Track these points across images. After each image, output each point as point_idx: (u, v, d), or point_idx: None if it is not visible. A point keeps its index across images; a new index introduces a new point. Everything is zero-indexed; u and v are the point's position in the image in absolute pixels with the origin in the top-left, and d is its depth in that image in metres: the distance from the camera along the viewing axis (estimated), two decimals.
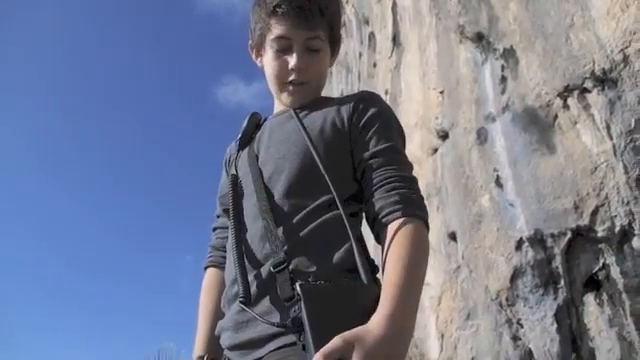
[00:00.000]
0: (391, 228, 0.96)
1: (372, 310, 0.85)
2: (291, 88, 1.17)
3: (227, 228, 1.22)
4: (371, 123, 1.09)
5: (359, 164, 1.07)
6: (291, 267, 0.93)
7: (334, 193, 1.01)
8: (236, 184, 1.13)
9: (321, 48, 1.17)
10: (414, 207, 0.98)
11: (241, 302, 0.93)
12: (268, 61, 1.18)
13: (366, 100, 1.14)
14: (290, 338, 0.87)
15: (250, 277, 0.98)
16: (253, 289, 0.97)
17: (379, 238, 1.00)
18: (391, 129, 1.11)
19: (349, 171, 1.08)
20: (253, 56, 1.26)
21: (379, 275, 0.98)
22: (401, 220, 0.95)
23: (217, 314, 1.16)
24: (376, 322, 0.82)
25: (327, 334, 0.79)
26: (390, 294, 0.86)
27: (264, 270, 0.98)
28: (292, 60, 1.13)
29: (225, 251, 1.24)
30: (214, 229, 1.32)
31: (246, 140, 1.22)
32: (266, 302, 0.95)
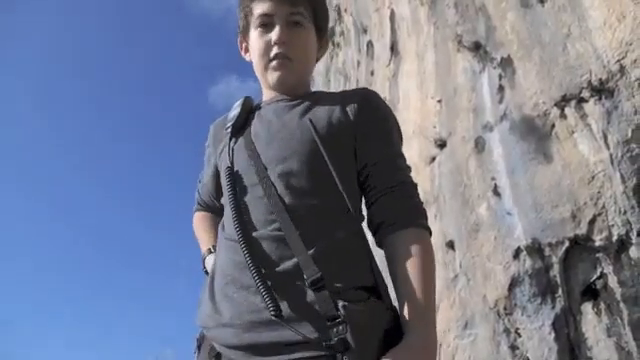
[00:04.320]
0: (400, 237, 0.99)
1: (391, 326, 0.92)
2: (275, 63, 1.13)
3: (212, 197, 1.29)
4: (376, 128, 1.09)
5: (363, 168, 1.07)
6: (326, 283, 0.91)
7: (348, 202, 1.02)
8: (233, 177, 1.07)
9: (305, 24, 1.15)
10: (420, 216, 1.03)
11: (273, 315, 0.89)
12: (253, 43, 1.16)
13: (371, 102, 1.13)
14: (315, 349, 0.88)
15: (269, 281, 0.94)
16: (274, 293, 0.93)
17: (382, 243, 1.03)
18: (394, 133, 1.12)
19: (354, 174, 1.07)
20: (242, 52, 1.25)
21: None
22: (410, 230, 1.00)
23: (215, 235, 1.22)
24: (419, 344, 0.90)
25: (371, 354, 0.86)
26: (423, 315, 0.93)
27: (283, 274, 0.95)
28: (274, 33, 1.12)
29: (212, 207, 1.30)
30: (199, 194, 1.35)
31: (239, 127, 1.15)
32: (288, 307, 0.92)
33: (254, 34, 1.16)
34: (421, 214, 1.03)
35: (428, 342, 0.90)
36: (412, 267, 0.95)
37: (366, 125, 1.08)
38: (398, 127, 1.15)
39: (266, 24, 1.13)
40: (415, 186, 1.07)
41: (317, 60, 1.26)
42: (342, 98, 1.14)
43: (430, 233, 1.03)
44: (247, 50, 1.23)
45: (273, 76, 1.15)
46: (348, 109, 1.09)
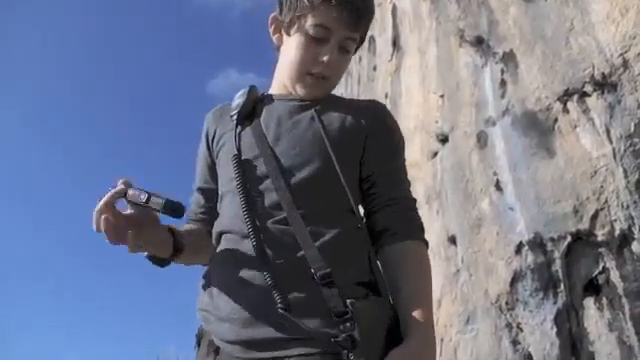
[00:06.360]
0: (402, 247, 1.03)
1: (392, 324, 0.94)
2: (311, 80, 1.11)
3: (209, 206, 1.16)
4: (385, 141, 1.13)
5: (369, 176, 1.09)
6: (334, 279, 0.92)
7: (352, 203, 1.04)
8: (241, 165, 1.05)
9: (351, 50, 1.15)
10: (420, 230, 1.08)
11: (282, 309, 0.89)
12: (296, 44, 1.11)
13: (385, 117, 1.17)
14: (315, 346, 0.88)
15: (276, 274, 0.93)
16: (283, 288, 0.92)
17: (382, 250, 1.05)
18: (400, 148, 1.16)
19: (357, 181, 1.09)
20: (271, 30, 1.19)
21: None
22: (413, 242, 1.04)
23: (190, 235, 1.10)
24: (420, 347, 0.92)
25: (376, 352, 0.88)
26: (424, 320, 0.95)
27: (290, 267, 0.94)
28: (326, 54, 1.09)
29: (200, 224, 1.17)
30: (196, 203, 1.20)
31: (245, 115, 1.12)
32: (295, 302, 0.91)
33: (302, 38, 1.10)
34: (421, 228, 1.08)
35: (428, 344, 0.93)
36: (413, 274, 1.00)
37: (377, 137, 1.11)
38: (404, 142, 1.18)
39: (320, 38, 1.09)
40: (415, 201, 1.12)
41: None
42: (355, 107, 1.15)
43: (427, 246, 1.09)
44: (277, 32, 1.18)
45: (303, 90, 1.13)
46: (362, 119, 1.11)
